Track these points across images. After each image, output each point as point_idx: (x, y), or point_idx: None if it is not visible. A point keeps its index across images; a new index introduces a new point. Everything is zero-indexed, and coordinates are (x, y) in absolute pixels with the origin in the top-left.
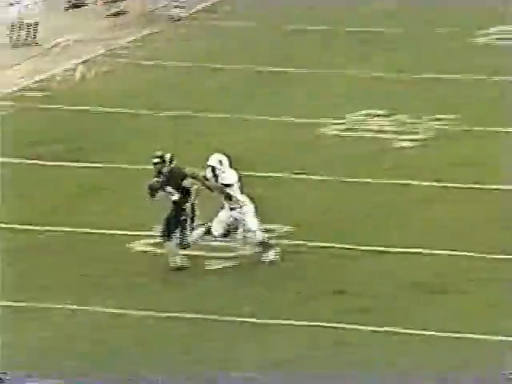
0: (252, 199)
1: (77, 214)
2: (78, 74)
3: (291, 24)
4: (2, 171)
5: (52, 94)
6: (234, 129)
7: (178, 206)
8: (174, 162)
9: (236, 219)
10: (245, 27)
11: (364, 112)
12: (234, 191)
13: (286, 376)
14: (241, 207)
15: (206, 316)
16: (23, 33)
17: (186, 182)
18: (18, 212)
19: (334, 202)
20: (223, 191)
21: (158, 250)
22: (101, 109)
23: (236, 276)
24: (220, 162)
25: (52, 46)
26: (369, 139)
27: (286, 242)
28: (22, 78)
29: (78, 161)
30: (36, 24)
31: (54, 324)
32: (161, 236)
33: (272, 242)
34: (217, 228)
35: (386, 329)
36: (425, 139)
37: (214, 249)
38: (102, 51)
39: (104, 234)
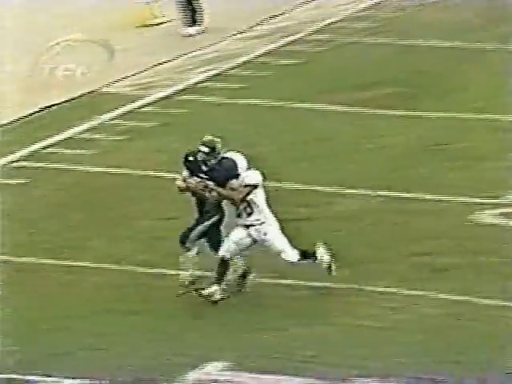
0: None
1: (405, 178)
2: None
3: None
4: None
5: (378, 25)
6: None
7: (212, 209)
8: (223, 152)
9: (255, 241)
10: None
11: None
12: (257, 197)
13: None
14: (261, 223)
15: None
16: None
17: (236, 182)
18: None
19: None
20: (248, 193)
21: (511, 223)
22: (437, 43)
23: None
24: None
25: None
26: None
27: None
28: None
29: (413, 109)
30: None
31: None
32: (181, 241)
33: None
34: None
35: None
36: None
37: None
38: None
39: (437, 202)
